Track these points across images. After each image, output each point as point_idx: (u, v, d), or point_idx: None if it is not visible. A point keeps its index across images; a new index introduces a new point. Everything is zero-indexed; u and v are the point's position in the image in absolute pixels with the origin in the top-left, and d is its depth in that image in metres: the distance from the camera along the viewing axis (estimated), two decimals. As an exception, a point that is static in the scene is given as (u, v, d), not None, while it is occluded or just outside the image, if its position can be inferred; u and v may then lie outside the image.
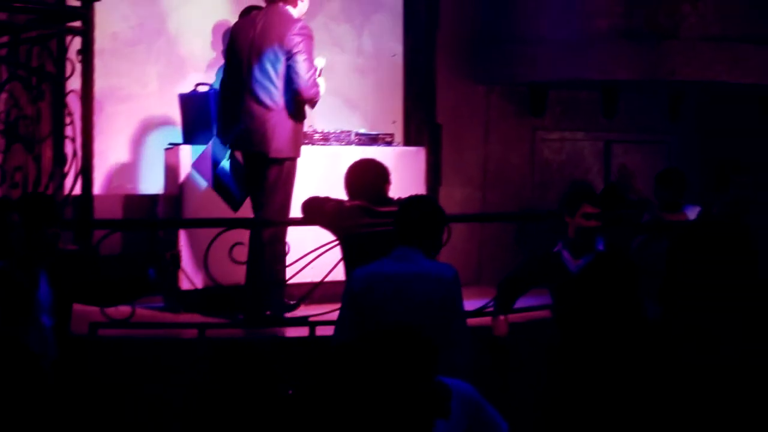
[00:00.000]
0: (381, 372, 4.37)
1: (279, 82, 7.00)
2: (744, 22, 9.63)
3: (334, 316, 6.84)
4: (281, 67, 6.99)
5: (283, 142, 7.06)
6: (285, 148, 7.07)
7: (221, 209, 7.31)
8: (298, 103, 7.06)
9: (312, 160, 7.64)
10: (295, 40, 7.00)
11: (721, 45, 9.53)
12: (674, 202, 7.89)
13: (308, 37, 7.07)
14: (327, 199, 6.42)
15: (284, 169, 7.09)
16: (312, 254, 6.94)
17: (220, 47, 8.77)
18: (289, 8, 7.12)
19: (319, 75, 7.08)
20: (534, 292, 6.37)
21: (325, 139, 7.90)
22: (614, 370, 5.75)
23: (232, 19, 8.84)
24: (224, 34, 8.76)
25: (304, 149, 7.35)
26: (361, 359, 4.37)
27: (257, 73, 7.00)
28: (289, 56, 6.98)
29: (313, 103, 7.11)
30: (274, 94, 7.02)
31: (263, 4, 8.52)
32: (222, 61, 8.63)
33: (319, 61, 7.11)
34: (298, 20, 7.10)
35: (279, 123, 7.04)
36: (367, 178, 6.26)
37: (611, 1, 9.48)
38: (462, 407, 4.44)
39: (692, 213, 7.91)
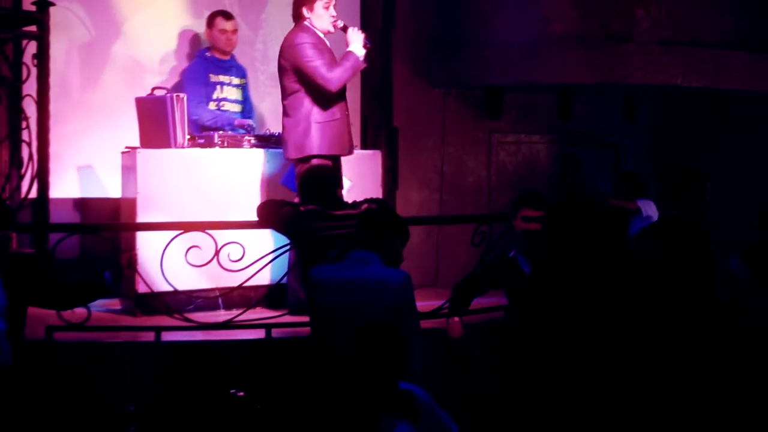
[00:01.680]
0: (359, 370, 4.44)
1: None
2: (696, 27, 9.72)
3: (290, 318, 6.94)
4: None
5: (290, 144, 7.36)
6: (292, 150, 7.33)
7: (177, 212, 7.31)
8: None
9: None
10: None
11: (674, 49, 9.61)
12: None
13: (296, 45, 7.39)
14: (282, 203, 6.45)
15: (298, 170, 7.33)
16: (267, 257, 6.98)
17: (177, 51, 8.82)
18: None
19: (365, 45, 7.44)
20: (489, 293, 6.42)
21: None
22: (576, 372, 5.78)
23: (189, 23, 8.90)
24: (180, 38, 8.85)
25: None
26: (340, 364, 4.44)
27: None
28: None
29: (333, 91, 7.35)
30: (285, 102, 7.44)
31: (220, 8, 8.64)
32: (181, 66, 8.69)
33: (354, 32, 7.45)
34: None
35: (289, 127, 7.36)
36: (320, 182, 6.30)
37: (566, 5, 9.54)
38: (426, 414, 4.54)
39: (644, 204, 8.05)
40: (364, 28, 9.43)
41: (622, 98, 10.92)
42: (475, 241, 7.47)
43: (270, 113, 8.99)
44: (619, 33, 9.53)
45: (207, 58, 8.45)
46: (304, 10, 7.45)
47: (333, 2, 7.49)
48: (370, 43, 7.53)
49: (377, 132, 9.53)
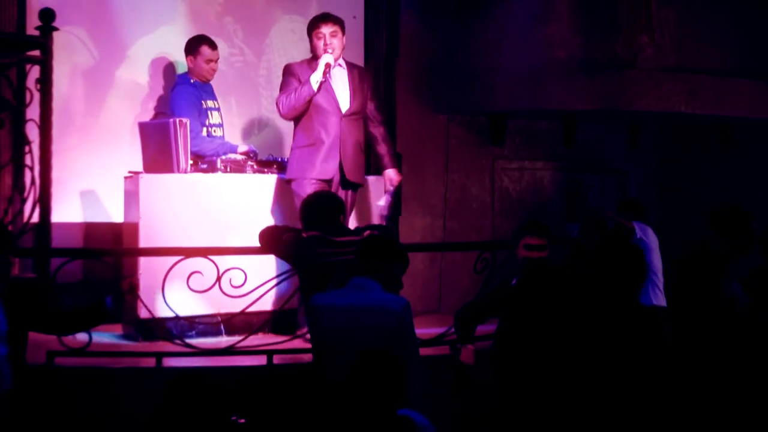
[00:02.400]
0: (358, 396, 4.43)
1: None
2: (700, 54, 9.73)
3: (292, 344, 6.92)
4: None
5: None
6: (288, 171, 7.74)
7: (180, 238, 7.31)
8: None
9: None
10: None
11: (678, 76, 9.61)
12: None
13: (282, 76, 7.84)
14: (284, 229, 6.45)
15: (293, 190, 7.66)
16: (270, 282, 6.98)
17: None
18: None
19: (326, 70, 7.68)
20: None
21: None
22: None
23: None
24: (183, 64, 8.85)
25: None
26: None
27: None
28: None
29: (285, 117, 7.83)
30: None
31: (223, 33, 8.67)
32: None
33: (324, 57, 7.66)
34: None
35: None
36: (322, 209, 6.30)
37: (569, 32, 9.56)
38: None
39: (640, 227, 8.03)
40: (367, 55, 9.55)
41: (626, 125, 10.93)
42: (477, 268, 7.45)
43: (271, 138, 9.01)
44: (622, 59, 9.54)
45: (194, 85, 8.32)
46: (310, 42, 7.84)
47: (327, 32, 7.71)
48: (332, 67, 7.72)
49: (380, 158, 9.52)
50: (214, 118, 8.36)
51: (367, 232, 6.24)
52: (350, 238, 6.11)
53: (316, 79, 7.58)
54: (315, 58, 7.75)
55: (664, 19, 9.61)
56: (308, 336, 7.13)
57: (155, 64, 8.77)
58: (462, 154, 10.21)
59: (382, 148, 8.05)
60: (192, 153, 7.89)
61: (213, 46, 8.38)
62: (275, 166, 7.96)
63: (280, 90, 7.76)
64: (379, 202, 8.03)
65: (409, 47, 9.84)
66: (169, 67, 8.81)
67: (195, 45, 8.34)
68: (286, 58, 7.82)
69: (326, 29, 7.72)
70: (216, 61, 8.41)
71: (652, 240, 7.98)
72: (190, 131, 7.95)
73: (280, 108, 7.67)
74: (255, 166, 7.92)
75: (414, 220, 9.74)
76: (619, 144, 11.03)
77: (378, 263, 5.51)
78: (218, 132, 8.37)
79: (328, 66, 7.63)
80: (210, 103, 8.35)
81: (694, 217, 10.22)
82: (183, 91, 8.25)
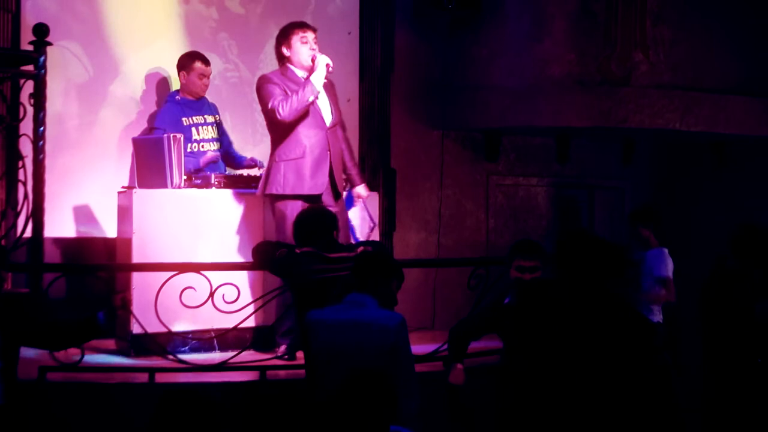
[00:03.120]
0: (349, 413, 4.43)
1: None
2: (695, 70, 9.77)
3: (285, 361, 6.92)
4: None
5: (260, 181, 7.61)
6: (259, 186, 7.58)
7: (173, 253, 7.31)
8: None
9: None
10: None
11: (673, 93, 9.66)
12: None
13: (257, 88, 7.61)
14: (277, 244, 6.44)
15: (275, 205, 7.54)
16: (263, 298, 6.99)
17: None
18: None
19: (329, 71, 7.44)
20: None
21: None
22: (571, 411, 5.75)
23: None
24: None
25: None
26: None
27: None
28: None
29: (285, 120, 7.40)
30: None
31: (218, 49, 8.68)
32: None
33: (322, 59, 7.41)
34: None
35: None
36: (316, 225, 6.30)
37: (564, 48, 9.60)
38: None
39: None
40: (362, 70, 9.57)
41: (620, 142, 10.95)
42: (471, 285, 7.46)
43: (266, 153, 8.98)
44: (617, 76, 9.58)
45: (178, 102, 8.35)
46: (284, 50, 7.60)
47: (312, 37, 7.57)
48: (332, 69, 7.47)
49: (375, 173, 9.53)
50: (201, 133, 8.37)
51: (360, 248, 6.24)
52: (344, 254, 6.10)
53: (319, 80, 7.38)
54: (285, 65, 7.58)
55: (658, 37, 9.65)
56: (286, 355, 7.18)
57: (149, 80, 8.77)
58: (456, 170, 10.23)
59: (349, 163, 7.85)
60: None
61: (206, 62, 8.42)
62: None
63: (267, 98, 7.41)
64: (351, 214, 7.82)
65: (404, 63, 9.87)
66: (163, 82, 8.82)
67: (188, 61, 8.37)
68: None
69: (310, 35, 7.58)
70: (209, 77, 8.43)
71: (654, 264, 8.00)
72: None
73: (280, 112, 7.31)
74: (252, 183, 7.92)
75: (408, 236, 9.75)
76: (613, 161, 11.05)
77: (373, 279, 5.53)
78: (208, 146, 8.38)
79: (328, 66, 7.40)
80: (197, 119, 8.34)
81: (689, 232, 10.24)
82: (164, 110, 8.37)
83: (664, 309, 8.03)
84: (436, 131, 10.11)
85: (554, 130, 10.20)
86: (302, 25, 7.62)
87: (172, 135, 7.68)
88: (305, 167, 7.41)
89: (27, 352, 6.44)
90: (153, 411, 4.28)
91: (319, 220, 6.33)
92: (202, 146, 8.33)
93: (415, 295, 9.42)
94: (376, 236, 8.17)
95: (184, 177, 7.69)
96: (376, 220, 7.87)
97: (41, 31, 6.96)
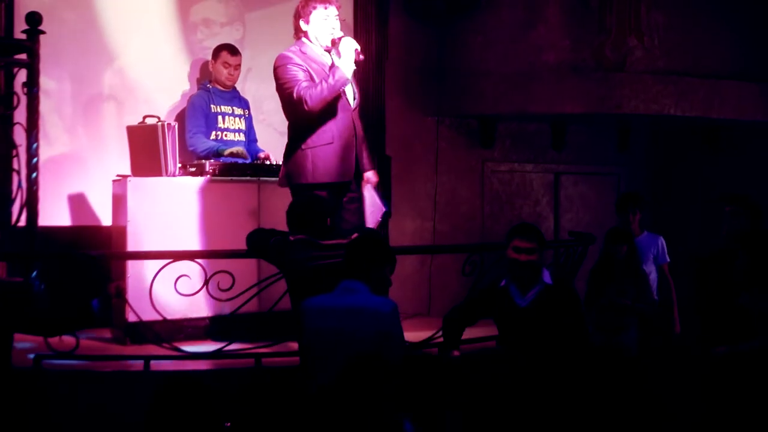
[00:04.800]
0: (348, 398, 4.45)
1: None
2: (689, 57, 9.80)
3: (280, 348, 6.94)
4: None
5: (282, 172, 7.22)
6: (282, 178, 7.21)
7: (168, 241, 7.33)
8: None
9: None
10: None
11: (668, 79, 9.68)
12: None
13: (276, 68, 7.08)
14: (271, 232, 6.46)
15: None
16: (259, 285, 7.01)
17: (169, 81, 8.85)
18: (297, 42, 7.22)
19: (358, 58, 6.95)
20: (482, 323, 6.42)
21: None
22: (563, 395, 5.79)
23: (181, 50, 8.93)
24: (172, 69, 8.88)
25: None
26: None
27: None
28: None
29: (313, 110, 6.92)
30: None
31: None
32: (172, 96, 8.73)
33: (350, 43, 6.95)
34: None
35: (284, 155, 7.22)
36: (309, 212, 6.31)
37: (558, 34, 9.62)
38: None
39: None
40: (356, 57, 9.53)
41: (615, 127, 10.98)
42: (466, 271, 7.47)
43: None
44: (612, 62, 9.61)
45: (209, 90, 8.49)
46: (301, 23, 7.10)
47: (335, 13, 7.09)
48: (363, 55, 7.07)
49: (370, 160, 9.51)
50: (227, 122, 8.46)
51: (354, 235, 6.26)
52: (337, 241, 6.12)
53: (348, 67, 6.87)
54: (302, 40, 7.11)
55: (653, 22, 9.67)
56: None
57: (144, 69, 8.77)
58: (451, 157, 10.25)
59: (361, 146, 7.29)
60: (187, 152, 8.13)
61: (232, 52, 8.55)
62: (264, 170, 7.94)
63: (291, 83, 6.90)
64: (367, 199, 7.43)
65: (399, 50, 9.88)
66: (156, 71, 8.81)
67: (217, 50, 8.57)
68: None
69: (333, 10, 7.07)
70: (235, 67, 8.54)
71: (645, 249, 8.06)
72: (189, 130, 8.24)
73: (308, 101, 6.76)
74: (246, 170, 7.93)
75: (404, 223, 9.77)
76: (609, 146, 11.08)
77: (365, 265, 5.55)
78: (229, 136, 8.46)
79: (357, 51, 6.91)
80: (225, 108, 8.47)
81: (685, 217, 10.27)
82: (194, 96, 8.52)
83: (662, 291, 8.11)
84: (431, 118, 10.13)
85: (549, 116, 10.21)
86: (323, 0, 7.05)
87: (166, 123, 7.71)
88: (334, 153, 6.98)
89: (23, 342, 6.50)
90: (152, 398, 4.29)
91: (313, 208, 6.34)
92: (225, 135, 8.42)
93: (410, 282, 9.46)
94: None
95: (179, 165, 7.71)
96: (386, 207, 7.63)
97: (34, 19, 6.96)
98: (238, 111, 8.55)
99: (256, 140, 8.69)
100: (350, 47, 6.91)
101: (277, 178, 7.38)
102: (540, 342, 5.92)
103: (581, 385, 5.86)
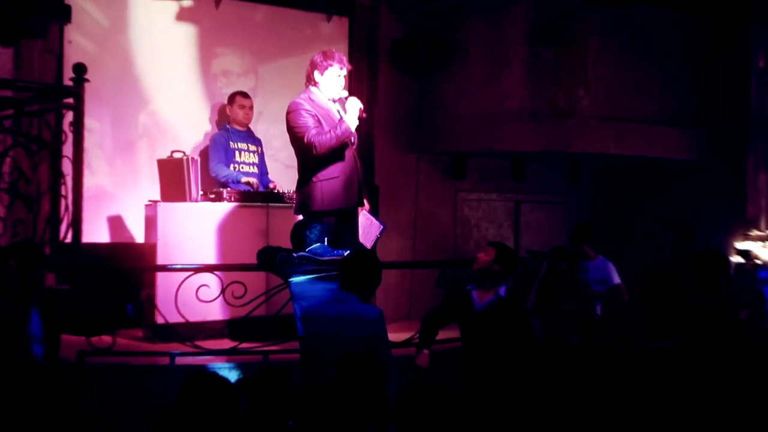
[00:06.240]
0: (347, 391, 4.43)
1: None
2: (628, 105, 9.83)
3: (284, 346, 6.93)
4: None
5: (297, 202, 7.05)
6: (297, 207, 7.01)
7: (191, 256, 7.33)
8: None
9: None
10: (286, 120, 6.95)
11: (610, 123, 9.70)
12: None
13: (288, 113, 6.91)
14: (278, 249, 6.46)
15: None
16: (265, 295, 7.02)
17: (193, 122, 8.87)
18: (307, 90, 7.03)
19: (361, 115, 6.89)
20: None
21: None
22: (512, 389, 5.81)
23: (203, 97, 8.95)
24: (196, 111, 8.89)
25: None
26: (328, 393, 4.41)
27: None
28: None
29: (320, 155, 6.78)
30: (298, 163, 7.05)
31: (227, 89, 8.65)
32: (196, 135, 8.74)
33: (355, 103, 6.87)
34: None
35: (297, 187, 7.05)
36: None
37: (519, 86, 9.64)
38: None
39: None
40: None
41: (566, 163, 10.99)
42: (440, 283, 7.49)
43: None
44: (563, 109, 9.62)
45: (228, 129, 8.55)
46: (316, 74, 6.90)
47: (345, 74, 6.98)
48: (366, 114, 7.08)
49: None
50: (243, 157, 8.49)
51: (347, 253, 6.26)
52: (333, 257, 6.12)
53: (353, 122, 6.81)
54: (310, 88, 6.93)
55: (598, 76, 9.71)
56: None
57: (172, 110, 8.79)
58: (429, 187, 10.25)
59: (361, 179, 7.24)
60: (210, 177, 8.24)
61: (245, 96, 8.65)
62: (273, 197, 7.96)
63: (301, 127, 6.76)
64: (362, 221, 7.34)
65: (386, 97, 9.88)
66: (183, 114, 8.84)
67: (232, 96, 8.65)
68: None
69: (345, 71, 6.98)
70: (249, 108, 8.62)
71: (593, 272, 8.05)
72: (212, 160, 8.34)
73: (317, 147, 6.65)
74: (257, 197, 7.94)
75: (389, 243, 9.71)
76: (560, 179, 11.09)
77: (357, 278, 5.52)
78: (247, 168, 8.47)
79: (361, 111, 6.87)
80: (241, 145, 8.51)
81: (626, 241, 10.28)
82: (216, 134, 8.59)
83: (617, 305, 8.08)
84: (412, 155, 10.13)
85: (511, 154, 10.23)
86: (340, 60, 6.92)
87: (190, 157, 7.74)
88: (340, 185, 6.83)
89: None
90: (177, 388, 4.26)
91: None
92: (241, 167, 8.45)
93: (394, 292, 9.44)
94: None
95: (201, 192, 7.72)
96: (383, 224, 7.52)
97: (80, 69, 6.95)
98: (252, 148, 8.58)
99: (267, 173, 8.70)
100: (355, 107, 6.84)
101: (283, 204, 7.39)
102: (491, 344, 5.95)
103: (529, 380, 5.87)
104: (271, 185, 8.31)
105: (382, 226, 7.38)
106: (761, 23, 9.96)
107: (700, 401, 5.75)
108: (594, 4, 9.62)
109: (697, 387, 5.81)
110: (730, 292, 6.53)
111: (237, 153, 8.45)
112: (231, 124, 8.58)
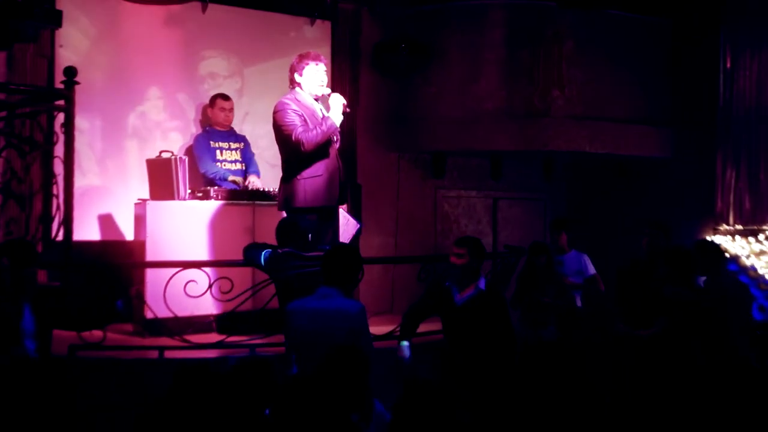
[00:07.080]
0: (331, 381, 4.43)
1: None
2: (601, 105, 9.88)
3: (270, 340, 6.93)
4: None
5: (280, 199, 7.05)
6: (281, 204, 7.04)
7: (179, 252, 7.32)
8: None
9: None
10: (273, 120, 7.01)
11: (583, 123, 9.75)
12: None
13: (275, 113, 6.95)
14: (263, 245, 6.46)
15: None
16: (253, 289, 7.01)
17: (180, 123, 8.85)
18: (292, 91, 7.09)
19: (345, 110, 6.96)
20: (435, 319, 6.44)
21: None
22: (493, 382, 5.82)
23: (191, 98, 8.94)
24: (184, 112, 8.87)
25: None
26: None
27: None
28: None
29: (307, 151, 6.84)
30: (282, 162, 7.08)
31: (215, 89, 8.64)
32: (184, 136, 8.73)
33: (339, 99, 6.95)
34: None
35: (280, 184, 7.07)
36: (294, 230, 6.31)
37: (496, 87, 9.68)
38: (378, 420, 4.57)
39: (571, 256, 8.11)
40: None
41: (542, 161, 11.03)
42: (421, 277, 7.50)
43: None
44: (539, 109, 9.67)
45: (208, 131, 8.56)
46: (296, 76, 7.00)
47: (323, 69, 7.03)
48: (350, 109, 7.11)
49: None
50: (224, 155, 8.50)
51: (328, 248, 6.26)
52: (316, 253, 6.13)
53: (337, 118, 6.89)
54: (295, 89, 7.01)
55: (573, 77, 9.75)
56: None
57: (160, 111, 8.78)
58: (410, 185, 10.28)
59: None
60: (200, 174, 8.26)
61: (225, 98, 8.66)
62: (259, 195, 7.96)
63: (288, 125, 6.83)
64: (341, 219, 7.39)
65: (367, 99, 9.91)
66: (171, 116, 8.83)
67: (212, 99, 8.66)
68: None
69: (322, 66, 7.04)
70: (229, 110, 8.64)
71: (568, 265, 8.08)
72: (200, 158, 8.36)
73: (305, 144, 6.74)
74: (243, 195, 7.94)
75: (371, 239, 9.76)
76: (537, 177, 11.13)
77: (339, 272, 5.50)
78: (228, 165, 8.49)
79: (344, 106, 6.93)
80: (222, 144, 8.52)
81: (601, 236, 10.33)
82: (198, 136, 8.61)
83: (594, 296, 8.12)
84: (393, 154, 10.15)
85: (489, 152, 10.27)
86: (315, 57, 7.02)
87: (178, 156, 7.73)
88: (322, 183, 6.90)
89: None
90: (170, 383, 4.26)
91: (295, 227, 6.35)
92: (223, 164, 8.47)
93: (377, 286, 9.46)
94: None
95: (189, 191, 7.72)
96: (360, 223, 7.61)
97: (70, 72, 6.95)
98: (234, 145, 8.57)
99: (251, 167, 8.65)
100: (338, 102, 6.93)
101: (268, 202, 7.38)
102: (471, 337, 5.96)
103: (509, 373, 5.88)
104: (250, 178, 8.35)
105: (358, 225, 7.44)
106: (731, 24, 10.02)
107: (680, 388, 5.79)
108: (568, 8, 9.66)
109: (679, 373, 5.85)
110: (713, 285, 6.61)
111: (218, 152, 8.47)
112: (212, 125, 8.58)
